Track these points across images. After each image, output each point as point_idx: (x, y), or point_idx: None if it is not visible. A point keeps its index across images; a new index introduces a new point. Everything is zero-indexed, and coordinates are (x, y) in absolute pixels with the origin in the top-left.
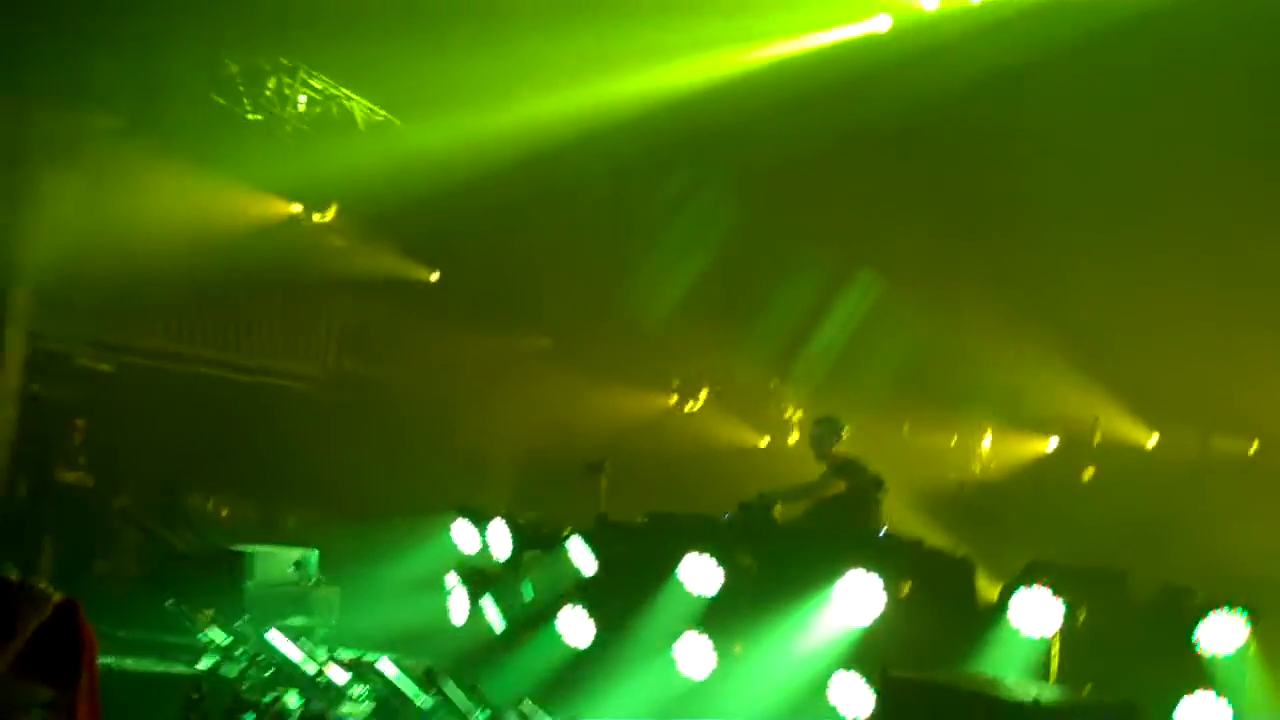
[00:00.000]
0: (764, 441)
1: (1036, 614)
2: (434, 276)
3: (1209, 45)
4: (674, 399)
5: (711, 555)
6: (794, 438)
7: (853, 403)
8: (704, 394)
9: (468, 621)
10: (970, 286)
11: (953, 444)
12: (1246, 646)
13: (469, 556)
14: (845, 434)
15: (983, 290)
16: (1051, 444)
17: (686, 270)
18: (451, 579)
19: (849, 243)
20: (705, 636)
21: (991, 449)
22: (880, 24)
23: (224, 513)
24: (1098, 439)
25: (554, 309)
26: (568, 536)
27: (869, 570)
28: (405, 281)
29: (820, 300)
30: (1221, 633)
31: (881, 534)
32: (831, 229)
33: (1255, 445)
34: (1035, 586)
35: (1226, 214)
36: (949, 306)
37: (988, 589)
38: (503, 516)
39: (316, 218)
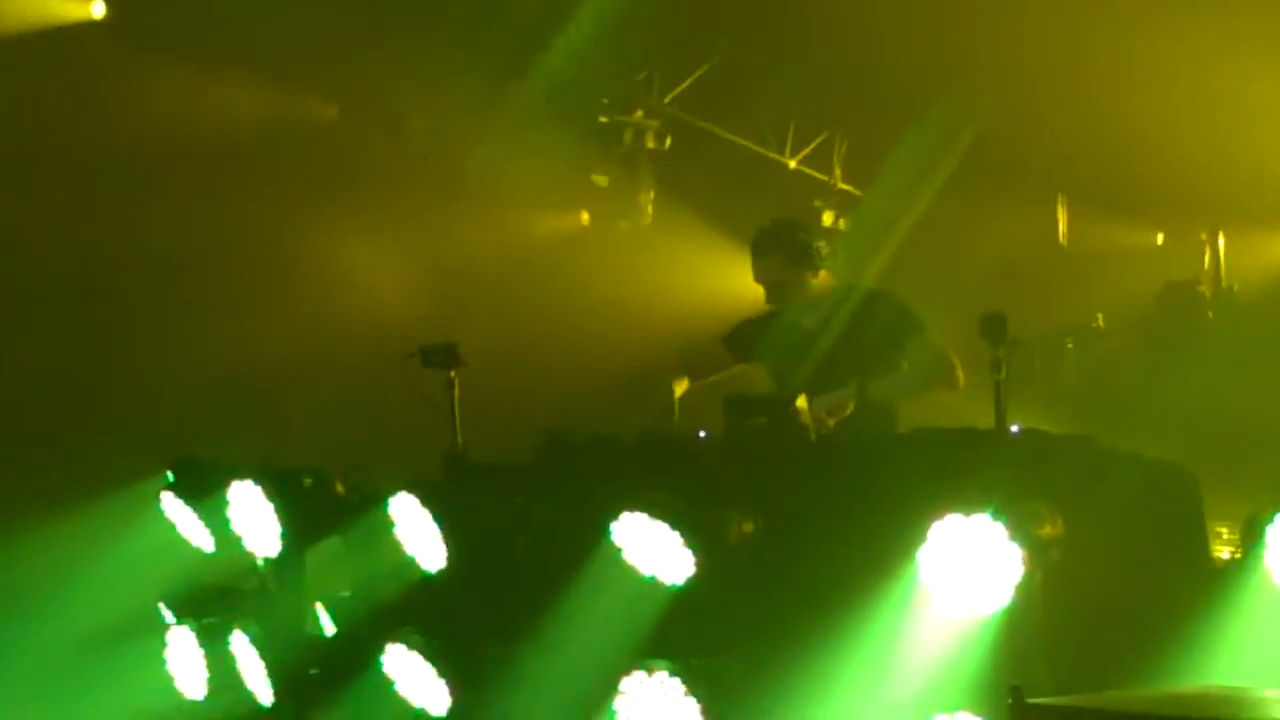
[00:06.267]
0: None
1: None
2: (97, 9)
3: None
4: (585, 216)
5: (667, 518)
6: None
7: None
8: (650, 198)
9: (210, 691)
10: None
11: (1159, 244)
12: None
13: (201, 558)
14: (825, 251)
15: None
16: None
17: None
18: (167, 611)
19: None
20: (669, 673)
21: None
22: None
23: None
24: None
25: (343, 55)
26: (390, 497)
27: (975, 510)
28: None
29: None
30: None
31: (1014, 431)
32: None
33: None
34: None
35: None
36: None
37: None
38: (258, 473)
39: None
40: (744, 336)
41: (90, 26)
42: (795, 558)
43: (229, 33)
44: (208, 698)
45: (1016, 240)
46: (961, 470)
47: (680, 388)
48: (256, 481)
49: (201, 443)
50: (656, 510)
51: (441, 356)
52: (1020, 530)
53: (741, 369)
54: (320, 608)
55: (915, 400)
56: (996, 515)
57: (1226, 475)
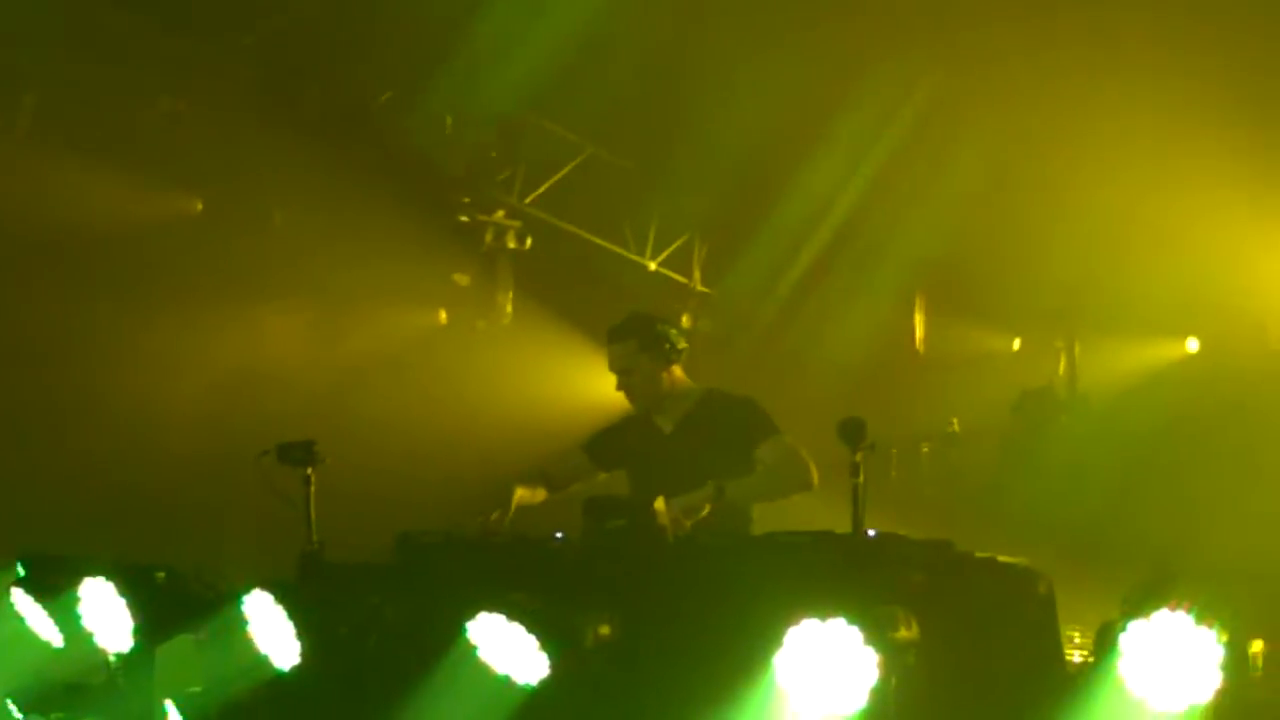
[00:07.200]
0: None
1: (1172, 665)
2: None
3: None
4: (443, 314)
5: (523, 619)
6: None
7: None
8: (509, 297)
9: None
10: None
11: (1015, 350)
12: None
13: (50, 654)
14: (680, 345)
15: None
16: (1191, 346)
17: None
18: (14, 707)
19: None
20: None
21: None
22: None
23: None
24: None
25: (207, 150)
26: (244, 595)
27: (831, 615)
28: None
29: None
30: None
31: (871, 535)
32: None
33: None
34: (1166, 612)
35: None
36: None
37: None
38: (110, 569)
39: None
40: (605, 444)
41: None
42: (651, 661)
43: (90, 126)
44: None
45: (873, 344)
46: (818, 574)
47: (538, 496)
48: (109, 577)
49: (53, 538)
50: (513, 611)
51: (298, 454)
52: (876, 634)
53: (604, 479)
54: (170, 705)
55: (770, 501)
56: (852, 620)
57: (1079, 578)
